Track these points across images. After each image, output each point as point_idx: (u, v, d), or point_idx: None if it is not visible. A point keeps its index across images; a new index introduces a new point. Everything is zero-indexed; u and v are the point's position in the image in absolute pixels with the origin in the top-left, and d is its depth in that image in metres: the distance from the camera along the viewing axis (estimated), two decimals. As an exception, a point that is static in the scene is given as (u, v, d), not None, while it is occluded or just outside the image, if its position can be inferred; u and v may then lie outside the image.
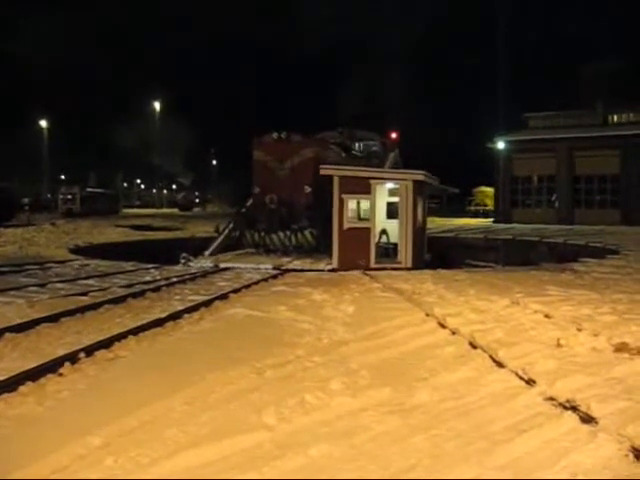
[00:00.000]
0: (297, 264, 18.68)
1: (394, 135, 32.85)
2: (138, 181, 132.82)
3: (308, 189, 20.18)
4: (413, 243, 18.55)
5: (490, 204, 57.89)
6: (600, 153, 40.90)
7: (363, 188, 18.55)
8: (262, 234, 21.05)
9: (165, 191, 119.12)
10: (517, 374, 6.48)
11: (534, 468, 4.41)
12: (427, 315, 9.83)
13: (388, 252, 19.25)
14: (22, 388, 6.10)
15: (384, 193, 20.21)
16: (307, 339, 8.29)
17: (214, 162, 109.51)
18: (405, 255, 18.48)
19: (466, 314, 9.62)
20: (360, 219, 19.25)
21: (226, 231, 22.60)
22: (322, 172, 19.13)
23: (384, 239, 19.65)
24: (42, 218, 46.10)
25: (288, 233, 20.63)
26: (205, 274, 15.95)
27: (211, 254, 21.21)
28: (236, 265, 18.43)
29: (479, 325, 8.77)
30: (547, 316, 9.49)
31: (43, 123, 79.76)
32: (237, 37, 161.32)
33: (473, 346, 7.76)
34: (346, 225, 18.55)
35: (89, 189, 67.13)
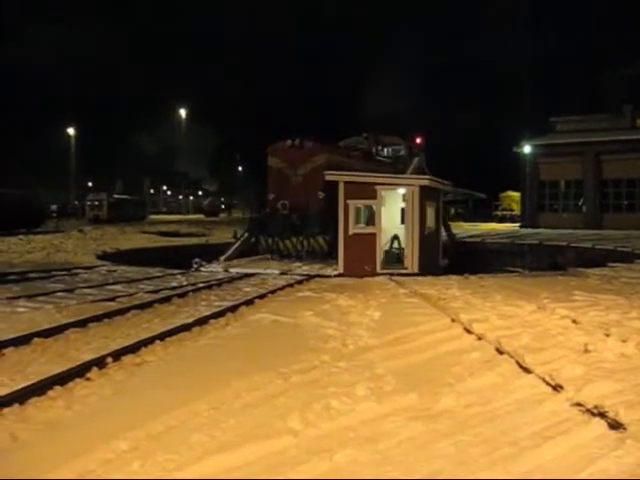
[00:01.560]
0: (306, 269, 18.75)
1: (419, 140, 32.78)
2: (164, 188, 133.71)
3: (321, 195, 20.16)
4: (420, 249, 18.43)
5: (517, 209, 57.48)
6: (628, 157, 40.40)
7: (369, 194, 18.50)
8: (276, 239, 21.15)
9: (191, 197, 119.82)
10: (544, 380, 6.42)
11: (561, 474, 4.37)
12: (453, 321, 9.78)
13: (400, 258, 19.13)
14: (51, 392, 6.17)
15: (397, 199, 20.08)
16: (333, 344, 8.29)
17: (240, 168, 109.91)
18: (412, 261, 18.38)
19: (492, 320, 9.55)
20: (368, 225, 19.16)
21: (243, 237, 22.73)
22: (327, 178, 19.15)
23: (396, 245, 19.57)
24: (70, 225, 46.59)
25: (301, 239, 20.68)
26: (231, 280, 16.02)
27: (227, 259, 21.35)
28: (244, 270, 18.61)
29: (505, 331, 8.70)
30: (574, 321, 9.40)
31: (71, 131, 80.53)
32: (263, 42, 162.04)
33: (499, 352, 7.70)
34: (351, 230, 18.53)
35: (116, 196, 67.72)
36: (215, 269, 19.22)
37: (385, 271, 17.87)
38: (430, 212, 20.35)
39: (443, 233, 28.78)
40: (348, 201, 18.53)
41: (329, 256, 19.94)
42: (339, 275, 17.61)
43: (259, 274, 17.63)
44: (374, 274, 17.39)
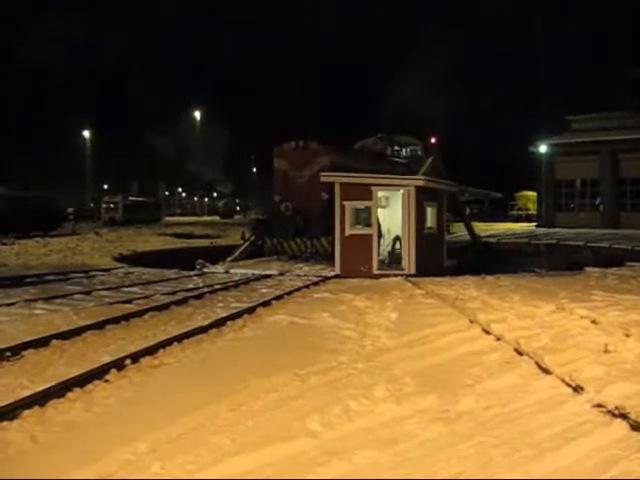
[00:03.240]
0: (305, 270, 18.87)
1: (433, 140, 32.66)
2: (179, 189, 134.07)
3: (325, 196, 20.12)
4: (417, 249, 18.36)
5: (533, 208, 57.19)
6: (646, 155, 40.06)
7: (365, 194, 18.45)
8: (281, 241, 21.26)
9: (206, 199, 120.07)
10: (564, 381, 6.38)
11: (583, 476, 4.33)
12: (471, 321, 9.74)
13: (402, 259, 19.05)
14: (70, 394, 6.21)
15: (399, 199, 19.93)
16: (350, 346, 8.28)
17: (254, 169, 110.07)
18: (408, 261, 18.32)
19: (511, 320, 9.50)
20: (366, 226, 19.04)
21: (251, 238, 22.84)
22: (323, 179, 19.13)
23: (398, 245, 19.49)
24: (86, 227, 46.81)
25: (304, 239, 20.77)
26: (247, 281, 16.02)
27: (233, 260, 21.47)
28: (244, 271, 18.79)
29: (524, 331, 8.65)
30: (594, 322, 9.33)
31: (86, 134, 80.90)
32: (281, 42, 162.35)
33: (518, 352, 7.66)
34: (348, 232, 18.50)
35: (132, 198, 67.88)
36: (217, 270, 19.34)
37: (381, 272, 17.88)
38: (431, 212, 20.31)
39: (464, 232, 28.72)
40: (344, 202, 18.49)
41: (332, 257, 19.94)
42: (336, 276, 17.58)
43: (274, 275, 17.66)
44: (370, 275, 17.38)
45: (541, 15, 47.34)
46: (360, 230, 18.56)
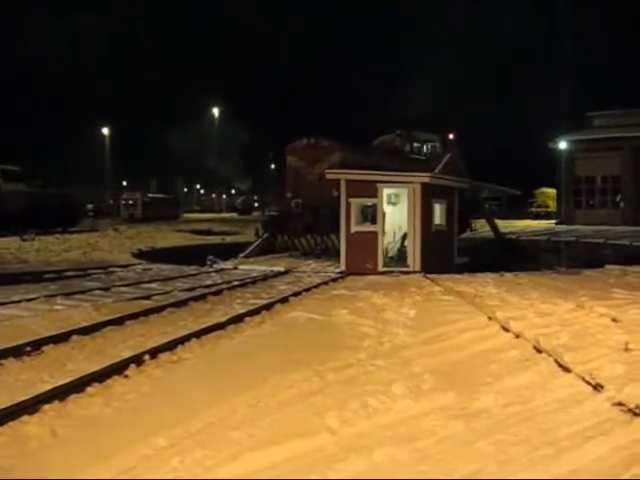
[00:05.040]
0: (312, 266, 18.99)
1: (451, 136, 32.50)
2: (198, 186, 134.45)
3: (336, 193, 20.14)
4: (423, 247, 18.27)
5: (552, 205, 56.79)
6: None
7: (371, 191, 18.40)
8: (292, 237, 21.37)
9: (224, 196, 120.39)
10: (584, 379, 6.32)
11: (602, 475, 4.29)
12: (490, 318, 9.69)
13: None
14: (89, 389, 6.26)
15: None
16: (368, 342, 8.27)
17: (272, 166, 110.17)
18: (414, 259, 18.25)
19: (530, 318, 9.45)
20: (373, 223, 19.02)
21: (264, 235, 22.98)
22: (328, 176, 19.13)
23: (406, 243, 19.43)
24: (105, 224, 47.11)
25: (315, 236, 20.83)
26: (266, 278, 16.07)
27: (246, 257, 21.59)
28: (252, 267, 18.98)
29: (543, 329, 8.59)
30: (614, 320, 9.25)
31: (105, 131, 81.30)
32: (299, 36, 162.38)
33: (538, 350, 7.61)
34: (353, 229, 18.47)
35: (150, 195, 68.17)
36: (226, 266, 19.53)
37: (387, 269, 17.89)
38: (439, 209, 20.22)
39: (486, 229, 28.56)
40: (350, 199, 18.44)
41: None
42: (341, 273, 17.56)
43: (293, 272, 17.70)
44: (375, 272, 17.36)
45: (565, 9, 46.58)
46: (366, 227, 18.53)
